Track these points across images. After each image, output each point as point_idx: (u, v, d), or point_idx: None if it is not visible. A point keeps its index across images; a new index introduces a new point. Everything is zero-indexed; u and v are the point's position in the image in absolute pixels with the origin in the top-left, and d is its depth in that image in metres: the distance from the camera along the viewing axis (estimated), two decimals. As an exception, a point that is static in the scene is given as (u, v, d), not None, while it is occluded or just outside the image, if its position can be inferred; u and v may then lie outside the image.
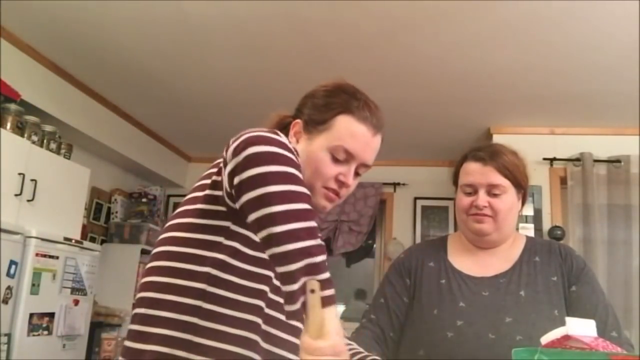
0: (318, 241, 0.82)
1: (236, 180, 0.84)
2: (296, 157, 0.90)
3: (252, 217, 0.82)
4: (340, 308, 6.23)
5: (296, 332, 0.95)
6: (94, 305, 3.42)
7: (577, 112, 3.77)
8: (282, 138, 0.89)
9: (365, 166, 1.13)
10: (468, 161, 1.48)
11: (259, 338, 0.94)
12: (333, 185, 1.09)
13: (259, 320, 0.94)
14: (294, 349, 0.95)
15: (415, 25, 2.78)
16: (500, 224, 1.44)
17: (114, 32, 3.03)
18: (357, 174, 1.13)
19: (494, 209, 1.42)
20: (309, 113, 1.13)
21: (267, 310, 0.97)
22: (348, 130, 1.09)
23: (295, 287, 0.78)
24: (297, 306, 0.78)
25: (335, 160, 1.08)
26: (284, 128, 1.20)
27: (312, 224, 0.82)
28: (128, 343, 0.97)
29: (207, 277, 0.93)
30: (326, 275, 0.81)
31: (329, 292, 0.80)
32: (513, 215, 1.48)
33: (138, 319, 0.97)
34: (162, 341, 0.91)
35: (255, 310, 0.95)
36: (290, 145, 0.91)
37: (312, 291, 0.79)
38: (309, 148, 1.10)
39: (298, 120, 1.14)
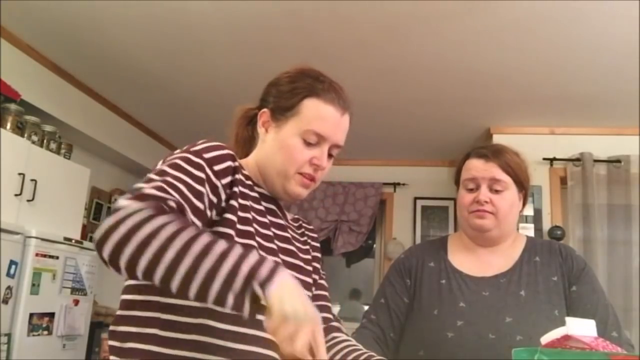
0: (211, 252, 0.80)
1: (121, 274, 0.84)
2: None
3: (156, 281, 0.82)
4: (335, 308, 6.24)
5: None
6: (94, 305, 3.42)
7: (577, 112, 3.77)
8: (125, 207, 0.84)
9: (337, 147, 1.13)
10: (471, 158, 1.49)
11: (215, 339, 0.93)
12: (308, 169, 1.09)
13: (211, 323, 0.94)
14: (270, 344, 0.95)
15: (415, 24, 2.78)
16: (501, 221, 1.44)
17: (114, 32, 3.03)
18: (330, 155, 1.13)
19: (495, 205, 1.43)
20: (274, 101, 1.13)
21: (223, 310, 0.94)
22: (316, 113, 1.09)
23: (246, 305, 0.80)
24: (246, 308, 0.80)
25: (307, 144, 1.09)
26: (250, 121, 1.20)
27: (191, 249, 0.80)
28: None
29: (160, 288, 0.93)
30: (247, 268, 0.79)
31: (264, 275, 0.79)
32: (514, 214, 1.48)
33: (111, 335, 1.00)
34: (130, 355, 0.95)
35: (206, 313, 0.94)
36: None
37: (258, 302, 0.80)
38: (279, 136, 1.10)
39: (265, 110, 1.13)
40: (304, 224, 1.28)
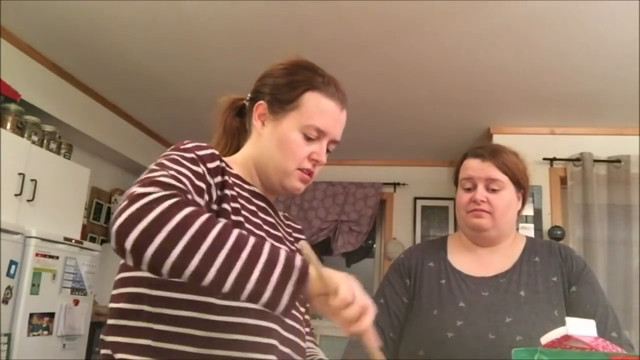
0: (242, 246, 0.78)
1: (143, 267, 0.78)
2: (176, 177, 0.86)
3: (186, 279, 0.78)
4: None
5: (263, 332, 0.94)
6: (94, 305, 3.42)
7: (577, 112, 3.77)
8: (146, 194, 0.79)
9: (335, 142, 1.12)
10: (468, 158, 1.50)
11: (210, 350, 0.90)
12: (307, 165, 1.08)
13: (211, 334, 0.90)
14: (265, 349, 0.93)
15: (415, 25, 2.78)
16: (498, 220, 1.44)
17: (114, 32, 3.03)
18: (327, 150, 1.11)
19: (492, 204, 1.43)
20: (271, 93, 1.10)
21: (217, 318, 0.91)
22: (317, 107, 1.07)
23: (285, 297, 0.78)
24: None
25: (307, 139, 1.07)
26: (239, 112, 1.19)
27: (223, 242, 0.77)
28: None
29: (149, 297, 0.92)
30: (281, 260, 0.80)
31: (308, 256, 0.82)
32: (512, 213, 1.48)
33: (102, 345, 0.97)
34: None
35: (199, 323, 0.90)
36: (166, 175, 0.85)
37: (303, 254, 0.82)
38: (278, 130, 1.07)
39: (262, 102, 1.10)
40: (292, 223, 1.26)
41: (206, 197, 0.94)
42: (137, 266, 0.77)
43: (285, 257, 0.80)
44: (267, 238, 0.89)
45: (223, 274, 0.76)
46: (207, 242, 0.76)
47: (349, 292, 0.80)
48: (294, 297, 0.79)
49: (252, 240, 0.80)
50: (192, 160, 0.93)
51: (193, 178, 0.90)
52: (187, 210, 0.78)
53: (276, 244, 1.09)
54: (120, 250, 0.76)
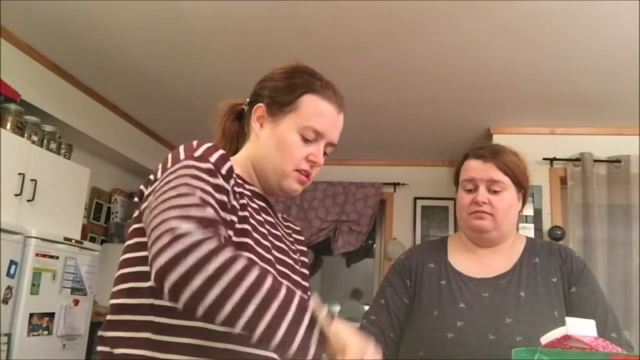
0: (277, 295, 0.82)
1: (180, 306, 0.81)
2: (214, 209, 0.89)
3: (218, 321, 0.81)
4: (335, 308, 6.24)
5: None
6: (94, 305, 3.42)
7: (577, 112, 3.77)
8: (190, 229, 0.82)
9: (332, 145, 1.13)
10: (469, 159, 1.49)
11: (212, 342, 0.91)
12: (305, 166, 1.09)
13: (209, 326, 0.91)
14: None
15: (414, 25, 2.78)
16: (499, 222, 1.44)
17: (114, 33, 3.03)
18: (324, 154, 1.13)
19: (493, 206, 1.43)
20: (270, 95, 1.12)
21: None
22: (315, 109, 1.09)
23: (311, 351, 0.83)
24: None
25: (305, 140, 1.09)
26: (238, 116, 1.20)
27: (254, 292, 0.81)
28: None
29: (151, 290, 0.92)
30: (308, 312, 0.85)
31: (324, 312, 0.86)
32: (513, 214, 1.48)
33: (101, 341, 0.97)
34: None
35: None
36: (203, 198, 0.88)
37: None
38: (276, 131, 1.09)
39: (260, 105, 1.12)
40: (290, 224, 1.27)
41: (228, 206, 0.96)
42: (173, 303, 0.82)
43: (311, 316, 0.84)
44: (296, 290, 0.92)
45: (253, 324, 0.80)
46: (239, 292, 0.79)
47: (357, 355, 0.83)
48: (318, 353, 0.84)
49: (282, 292, 0.83)
50: (210, 172, 0.94)
51: (215, 194, 0.92)
52: (222, 258, 0.81)
53: (277, 242, 1.11)
54: (160, 289, 0.81)
